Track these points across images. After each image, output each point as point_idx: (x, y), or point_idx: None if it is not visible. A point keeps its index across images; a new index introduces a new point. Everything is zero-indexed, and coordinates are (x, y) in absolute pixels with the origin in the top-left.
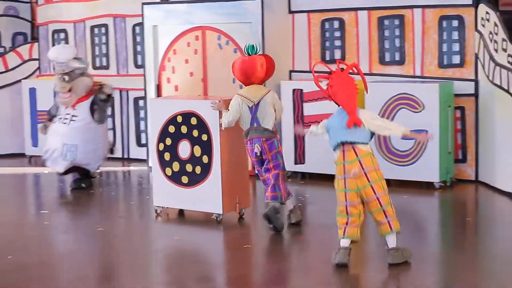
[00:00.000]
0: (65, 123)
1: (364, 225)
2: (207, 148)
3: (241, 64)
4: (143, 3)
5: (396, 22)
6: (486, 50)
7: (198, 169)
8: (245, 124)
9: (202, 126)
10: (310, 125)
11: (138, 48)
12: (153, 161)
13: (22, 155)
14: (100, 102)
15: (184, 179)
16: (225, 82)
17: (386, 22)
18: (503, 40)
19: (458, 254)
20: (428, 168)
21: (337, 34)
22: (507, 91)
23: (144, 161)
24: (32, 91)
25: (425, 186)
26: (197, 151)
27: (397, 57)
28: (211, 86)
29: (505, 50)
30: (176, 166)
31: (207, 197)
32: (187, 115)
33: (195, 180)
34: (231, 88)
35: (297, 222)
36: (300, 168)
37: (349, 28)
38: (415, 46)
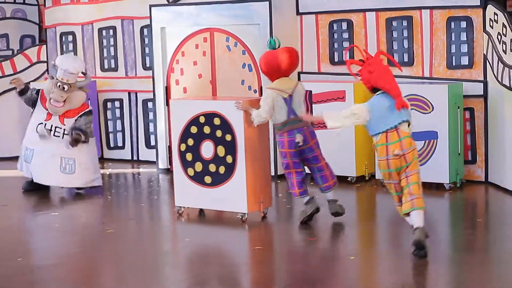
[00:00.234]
0: (58, 136)
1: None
2: (231, 148)
3: (266, 58)
4: (151, 5)
5: (404, 23)
6: (494, 51)
7: (222, 169)
8: (281, 116)
9: (226, 126)
10: (318, 126)
11: (146, 50)
12: (175, 161)
13: None
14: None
15: (207, 179)
16: (234, 83)
17: (394, 23)
18: None
19: (469, 255)
20: (438, 169)
21: (345, 35)
22: None
23: (153, 163)
24: None
25: (435, 187)
26: (221, 151)
27: (405, 59)
28: (220, 88)
29: None
30: (198, 166)
31: (231, 196)
32: (210, 116)
33: (218, 180)
34: (239, 89)
35: (335, 214)
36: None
37: (357, 30)
38: (423, 47)
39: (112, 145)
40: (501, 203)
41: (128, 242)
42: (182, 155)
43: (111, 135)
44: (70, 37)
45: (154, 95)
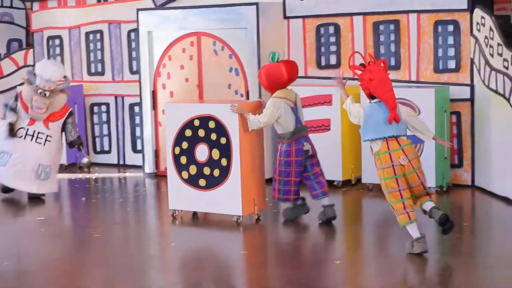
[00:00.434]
0: (40, 143)
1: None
2: (225, 151)
3: (269, 71)
4: (138, 9)
5: (391, 27)
6: (481, 55)
7: (216, 172)
8: (290, 126)
9: (221, 129)
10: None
11: (133, 54)
12: (169, 164)
13: None
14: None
15: (202, 182)
16: (221, 87)
17: (381, 27)
18: (499, 44)
19: (455, 259)
20: (424, 173)
21: (332, 39)
22: (503, 95)
23: (140, 167)
24: None
25: None
26: (215, 154)
27: (392, 62)
28: (207, 92)
29: (500, 54)
30: (193, 169)
31: (226, 199)
32: (204, 119)
33: (213, 183)
34: (226, 93)
35: (332, 219)
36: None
37: (344, 34)
38: (410, 51)
39: (98, 149)
40: (487, 207)
41: (115, 246)
42: (176, 158)
43: (97, 139)
44: (57, 41)
45: (140, 99)
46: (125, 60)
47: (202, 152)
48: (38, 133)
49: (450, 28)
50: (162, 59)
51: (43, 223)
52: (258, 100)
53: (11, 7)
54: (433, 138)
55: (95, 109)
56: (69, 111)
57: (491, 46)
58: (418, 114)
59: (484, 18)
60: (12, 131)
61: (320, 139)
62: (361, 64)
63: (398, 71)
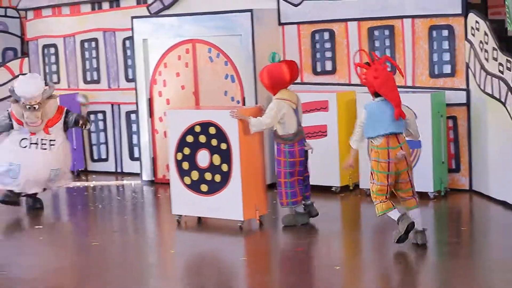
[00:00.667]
0: (45, 149)
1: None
2: (226, 156)
3: (271, 71)
4: (133, 17)
5: (386, 32)
6: (476, 59)
7: (217, 177)
8: (292, 127)
9: (221, 135)
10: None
11: (129, 62)
12: (171, 170)
13: None
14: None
15: (204, 188)
16: (217, 94)
17: (376, 32)
18: (494, 49)
19: (454, 263)
20: (422, 178)
21: (328, 45)
22: (499, 100)
23: (137, 175)
24: None
25: (420, 196)
26: (216, 159)
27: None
28: (203, 99)
29: (495, 59)
30: (195, 175)
31: (227, 204)
32: (205, 125)
33: (214, 188)
34: (223, 100)
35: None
36: None
37: (339, 39)
38: (405, 56)
39: (95, 157)
40: (485, 211)
41: (115, 254)
42: (178, 164)
43: (94, 147)
44: (52, 50)
45: (137, 107)
46: (120, 68)
47: (203, 157)
48: (42, 140)
49: (445, 33)
50: (157, 66)
51: (41, 231)
52: (258, 105)
53: (5, 16)
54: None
55: (92, 117)
56: (64, 110)
57: (486, 51)
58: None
59: (478, 22)
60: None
61: (317, 145)
62: (366, 63)
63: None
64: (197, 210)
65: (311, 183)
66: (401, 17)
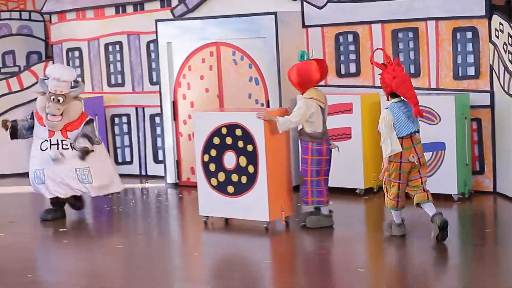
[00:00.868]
0: (67, 148)
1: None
2: (252, 158)
3: (301, 69)
4: (157, 20)
5: (410, 34)
6: (501, 61)
7: (243, 179)
8: (319, 126)
9: (247, 137)
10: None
11: (153, 65)
12: (198, 172)
13: None
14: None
15: (230, 189)
16: (241, 97)
17: (400, 35)
18: None
19: (479, 266)
20: (446, 180)
21: (352, 47)
22: None
23: (161, 177)
24: None
25: (444, 198)
26: (243, 161)
27: (412, 70)
28: (227, 102)
29: None
30: (221, 176)
31: (254, 205)
32: (231, 127)
33: (241, 189)
34: (247, 103)
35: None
36: None
37: (363, 42)
38: (429, 58)
39: (120, 160)
40: (509, 213)
41: (138, 256)
42: (205, 165)
43: (119, 150)
44: (76, 53)
45: (161, 109)
46: (145, 71)
47: (230, 159)
48: (62, 140)
49: (469, 34)
50: (182, 69)
51: (66, 234)
52: (284, 107)
53: (29, 19)
54: None
55: (116, 120)
56: (86, 119)
57: (510, 52)
58: (439, 121)
59: (502, 24)
60: (15, 130)
61: (341, 147)
62: (383, 64)
63: (418, 78)
64: (223, 211)
65: (335, 185)
66: (425, 19)
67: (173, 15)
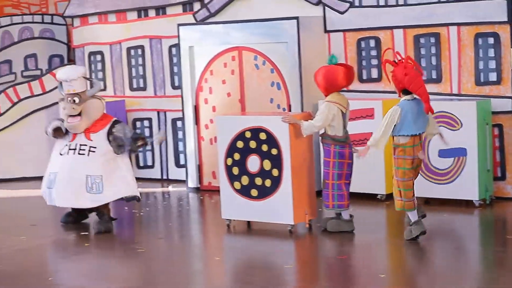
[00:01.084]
0: (83, 154)
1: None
2: (277, 161)
3: (328, 73)
4: (179, 24)
5: (432, 40)
6: None
7: (268, 182)
8: (341, 130)
9: (272, 140)
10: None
11: (175, 69)
12: (221, 175)
13: None
14: (118, 139)
15: (254, 192)
16: (263, 102)
17: (422, 40)
18: None
19: (500, 272)
20: (467, 186)
21: (374, 53)
22: None
23: (183, 181)
24: None
25: (465, 204)
26: (267, 165)
27: (433, 75)
28: (249, 106)
29: None
30: (245, 180)
31: (278, 208)
32: (255, 131)
33: (265, 192)
34: (268, 108)
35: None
36: None
37: (385, 47)
38: (451, 64)
39: (141, 164)
40: None
41: (160, 260)
42: (228, 169)
43: (140, 154)
44: (98, 57)
45: (183, 114)
46: (166, 75)
47: (253, 163)
48: (80, 145)
49: (491, 40)
50: (203, 74)
51: (87, 237)
52: (307, 111)
53: (51, 23)
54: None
55: (138, 124)
56: (112, 120)
57: None
58: (460, 127)
59: None
60: (59, 131)
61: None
62: (394, 61)
63: (440, 84)
64: (246, 214)
65: (357, 191)
66: (447, 25)
67: (195, 19)
